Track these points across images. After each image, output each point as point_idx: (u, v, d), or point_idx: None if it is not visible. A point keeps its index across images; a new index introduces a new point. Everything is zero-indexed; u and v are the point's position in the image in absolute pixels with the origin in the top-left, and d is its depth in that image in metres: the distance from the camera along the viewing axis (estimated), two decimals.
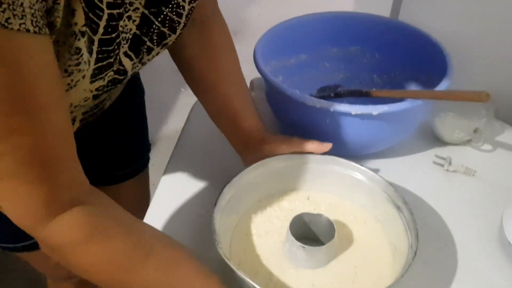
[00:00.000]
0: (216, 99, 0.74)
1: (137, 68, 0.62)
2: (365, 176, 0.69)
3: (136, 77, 0.89)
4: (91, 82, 0.54)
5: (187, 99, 2.25)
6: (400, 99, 0.74)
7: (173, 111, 2.05)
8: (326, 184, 0.73)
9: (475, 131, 0.85)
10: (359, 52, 0.96)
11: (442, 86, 0.74)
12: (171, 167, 0.83)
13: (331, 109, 0.70)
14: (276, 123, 0.87)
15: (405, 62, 0.91)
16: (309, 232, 0.67)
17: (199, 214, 0.74)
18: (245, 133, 0.73)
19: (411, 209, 0.63)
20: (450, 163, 0.82)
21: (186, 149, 0.87)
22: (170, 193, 0.78)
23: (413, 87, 0.89)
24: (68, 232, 0.48)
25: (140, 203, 1.03)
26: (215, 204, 0.62)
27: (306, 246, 0.61)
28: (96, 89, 0.56)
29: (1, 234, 0.78)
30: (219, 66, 0.73)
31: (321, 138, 0.78)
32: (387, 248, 0.66)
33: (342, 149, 0.81)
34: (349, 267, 0.64)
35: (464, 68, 0.91)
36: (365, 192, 0.70)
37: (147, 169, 1.00)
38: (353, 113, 0.70)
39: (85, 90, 0.54)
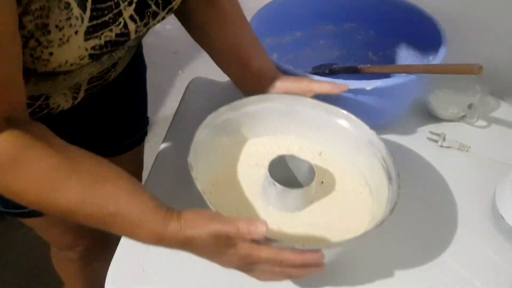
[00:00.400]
0: (225, 41, 0.71)
1: (140, 32, 0.61)
2: (352, 125, 0.67)
3: (139, 53, 0.90)
4: (86, 39, 0.53)
5: (184, 81, 2.24)
6: (394, 75, 0.74)
7: (170, 93, 2.05)
8: (313, 130, 0.70)
9: (469, 107, 0.85)
10: (354, 29, 0.96)
11: (436, 60, 0.74)
12: (166, 145, 0.83)
13: None
14: None
15: (400, 38, 0.91)
16: (292, 178, 0.66)
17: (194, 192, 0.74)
18: (256, 72, 0.70)
19: (395, 162, 0.61)
20: (444, 139, 0.82)
21: (181, 126, 0.87)
22: (165, 170, 0.78)
23: (408, 63, 0.88)
24: None
25: (134, 175, 1.03)
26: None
27: (277, 184, 0.59)
28: (93, 48, 0.55)
29: (9, 199, 0.79)
30: (229, 28, 0.72)
31: None
32: (368, 200, 0.65)
33: None
34: (325, 215, 0.62)
35: (459, 44, 0.91)
36: (351, 141, 0.67)
37: (143, 144, 1.02)
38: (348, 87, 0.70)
39: (79, 47, 0.54)
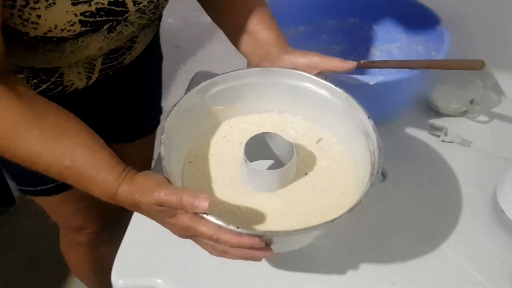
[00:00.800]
0: (237, 15, 0.70)
1: (141, 4, 0.61)
2: (352, 110, 0.62)
3: (156, 43, 0.91)
4: (73, 4, 0.54)
5: (186, 75, 2.25)
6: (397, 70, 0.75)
7: (172, 87, 2.05)
8: (314, 111, 0.66)
9: (471, 102, 0.86)
10: (357, 24, 0.96)
11: (439, 56, 0.75)
12: None
13: (328, 79, 0.71)
14: None
15: (403, 34, 0.91)
16: (272, 155, 0.64)
17: None
18: (265, 43, 0.68)
19: (379, 137, 0.58)
20: (446, 134, 0.83)
21: None
22: None
23: (411, 59, 0.89)
24: None
25: (144, 162, 1.07)
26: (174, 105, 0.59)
27: (248, 162, 0.57)
28: (82, 14, 0.56)
29: (23, 177, 0.81)
30: (242, 2, 0.70)
31: None
32: (351, 173, 0.62)
33: None
34: (295, 204, 0.59)
35: (461, 39, 0.91)
36: (349, 128, 0.63)
37: (155, 132, 1.02)
38: (349, 82, 0.70)
39: (67, 12, 0.55)
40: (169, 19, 2.48)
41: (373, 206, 0.72)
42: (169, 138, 0.55)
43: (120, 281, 0.64)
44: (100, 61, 0.70)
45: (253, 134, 0.61)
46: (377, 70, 0.90)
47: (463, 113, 0.88)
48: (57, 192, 0.83)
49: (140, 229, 0.69)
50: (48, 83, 0.67)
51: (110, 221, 0.99)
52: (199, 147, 0.64)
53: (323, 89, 0.63)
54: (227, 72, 0.62)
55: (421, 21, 0.87)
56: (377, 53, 0.96)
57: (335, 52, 0.98)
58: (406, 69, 0.73)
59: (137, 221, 0.70)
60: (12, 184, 1.56)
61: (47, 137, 0.52)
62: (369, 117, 0.59)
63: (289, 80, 0.64)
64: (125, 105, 0.90)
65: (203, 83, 0.61)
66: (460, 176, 0.78)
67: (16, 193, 1.60)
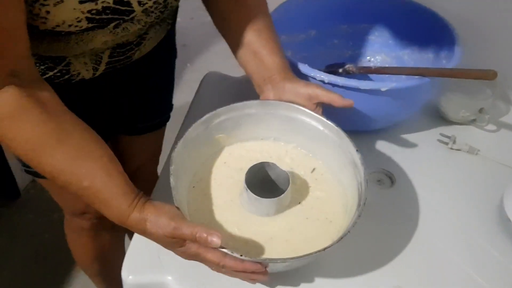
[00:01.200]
0: (244, 35, 0.72)
1: (146, 4, 0.63)
2: (342, 142, 0.67)
3: (171, 41, 0.92)
4: (80, 2, 0.57)
5: (193, 75, 2.26)
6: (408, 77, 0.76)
7: (179, 86, 2.05)
8: (309, 142, 0.71)
9: (480, 111, 0.86)
10: (368, 29, 0.97)
11: (450, 64, 0.75)
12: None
13: (340, 84, 0.72)
14: None
15: (414, 40, 0.92)
16: (272, 185, 0.68)
17: None
18: (270, 68, 0.70)
19: (365, 170, 0.62)
20: (454, 142, 0.83)
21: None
22: None
23: (421, 66, 0.89)
24: None
25: (153, 155, 1.10)
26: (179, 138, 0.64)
27: (248, 190, 0.62)
28: (89, 12, 0.58)
29: None
30: (249, 24, 0.72)
31: (328, 113, 0.80)
32: (341, 202, 0.67)
33: (348, 124, 0.83)
34: (290, 230, 0.64)
35: (470, 47, 0.92)
36: (340, 159, 0.68)
37: (164, 127, 1.04)
38: (361, 88, 0.71)
39: (74, 9, 0.57)
40: (177, 18, 2.49)
41: (380, 211, 0.73)
42: (177, 168, 0.61)
43: (130, 277, 0.64)
44: (108, 54, 0.71)
45: (250, 161, 0.68)
46: (387, 76, 0.92)
47: (471, 122, 0.88)
48: None
49: None
50: (55, 71, 0.69)
51: None
52: (202, 172, 0.70)
53: (316, 121, 0.69)
54: (229, 105, 0.69)
55: (432, 29, 0.87)
56: (387, 59, 0.96)
57: (346, 56, 0.99)
58: (418, 77, 0.74)
59: None
60: (17, 177, 1.57)
61: (71, 156, 0.56)
62: (357, 150, 0.64)
63: (285, 112, 0.70)
64: (134, 99, 0.91)
65: (207, 115, 0.67)
66: (467, 185, 0.79)
67: (21, 186, 1.61)
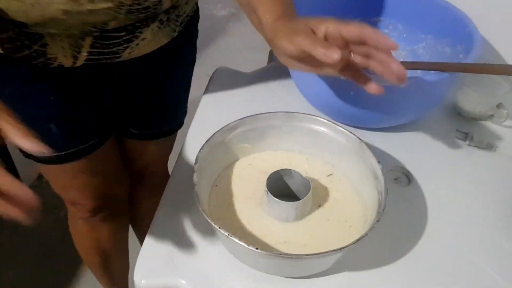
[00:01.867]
0: None
1: None
2: (364, 155, 0.67)
3: (186, 51, 0.89)
4: None
5: (198, 69, 2.23)
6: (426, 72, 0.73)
7: None
8: (329, 152, 0.72)
9: (498, 106, 0.84)
10: (381, 23, 0.94)
11: (469, 59, 0.73)
12: (191, 135, 0.83)
13: None
14: (296, 92, 0.86)
15: (429, 34, 0.89)
16: (288, 189, 0.69)
17: None
18: (280, 4, 0.63)
19: (386, 179, 0.62)
20: (471, 139, 0.81)
21: (206, 117, 0.86)
22: (190, 161, 0.78)
23: (437, 59, 0.87)
24: None
25: (163, 156, 1.08)
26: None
27: (269, 193, 0.63)
28: None
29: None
30: None
31: (345, 110, 0.78)
32: (360, 210, 0.67)
33: (364, 121, 0.81)
34: (309, 234, 0.64)
35: (487, 40, 0.90)
36: (360, 170, 0.68)
37: (176, 132, 1.02)
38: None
39: None
40: None
41: (397, 209, 0.71)
42: (201, 168, 0.63)
43: (143, 281, 0.63)
44: (89, 43, 0.68)
45: (274, 166, 0.70)
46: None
47: (489, 117, 0.86)
48: (57, 162, 0.83)
49: (162, 228, 0.68)
50: (31, 50, 0.67)
51: (106, 204, 0.99)
52: (226, 172, 0.71)
53: (340, 135, 0.69)
54: (255, 115, 0.70)
55: (449, 22, 0.85)
56: (402, 54, 0.94)
57: None
58: (436, 72, 0.71)
59: (159, 221, 0.69)
60: (22, 175, 1.56)
61: None
62: (378, 162, 0.64)
63: (309, 124, 0.71)
64: (153, 105, 0.89)
65: (234, 123, 0.69)
66: (485, 182, 0.77)
67: (26, 184, 1.60)
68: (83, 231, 1.07)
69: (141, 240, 1.28)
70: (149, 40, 0.74)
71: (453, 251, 0.67)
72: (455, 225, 0.70)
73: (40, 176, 1.62)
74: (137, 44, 0.73)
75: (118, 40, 0.70)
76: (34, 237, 1.52)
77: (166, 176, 1.10)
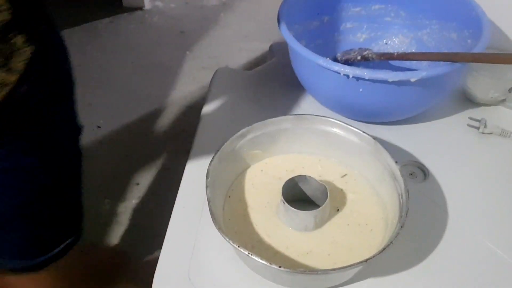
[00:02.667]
0: None
1: None
2: (380, 156, 0.65)
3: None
4: None
5: (193, 62, 2.20)
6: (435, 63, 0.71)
7: (180, 75, 2.00)
8: (342, 153, 0.70)
9: (510, 90, 0.82)
10: (383, 10, 0.91)
11: (480, 47, 0.70)
12: (198, 142, 0.80)
13: (367, 78, 0.67)
14: (300, 87, 0.83)
15: (434, 19, 0.86)
16: (308, 198, 0.67)
17: None
18: None
19: (406, 180, 0.60)
20: (485, 126, 0.79)
21: (211, 120, 0.84)
22: (201, 165, 0.76)
23: (443, 47, 0.85)
24: None
25: None
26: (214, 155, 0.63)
27: (286, 203, 0.60)
28: None
29: None
30: None
31: (353, 107, 0.76)
32: (380, 236, 0.63)
33: (374, 116, 0.79)
34: (331, 242, 0.62)
35: (495, 23, 0.87)
36: (377, 171, 0.66)
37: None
38: (389, 80, 0.67)
39: None
40: (172, 4, 2.42)
41: (417, 207, 0.68)
42: (213, 181, 0.60)
43: None
44: None
45: (286, 171, 0.69)
46: (410, 62, 0.87)
47: (500, 102, 0.84)
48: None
49: (175, 245, 0.66)
50: None
51: None
52: (238, 181, 0.69)
53: (352, 135, 0.67)
54: (265, 120, 0.68)
55: (453, 5, 0.82)
56: (406, 41, 0.91)
57: (360, 41, 0.94)
58: (448, 62, 0.69)
59: (172, 237, 0.67)
60: None
61: None
62: (396, 162, 0.62)
63: (321, 126, 0.69)
64: None
65: (243, 130, 0.66)
66: (502, 169, 0.75)
67: None
68: None
69: None
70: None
71: (478, 245, 0.65)
72: (477, 218, 0.68)
73: None
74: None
75: None
76: None
77: None
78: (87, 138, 1.72)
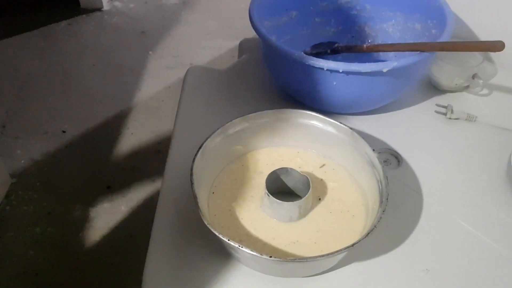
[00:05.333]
0: None
1: None
2: (357, 144, 0.67)
3: None
4: None
5: (156, 62, 2.19)
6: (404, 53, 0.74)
7: (144, 76, 1.98)
8: (320, 144, 0.72)
9: (473, 76, 0.85)
10: (349, 4, 0.94)
11: (445, 36, 0.74)
12: (175, 143, 0.80)
13: (340, 70, 0.69)
14: (273, 83, 0.84)
15: (398, 12, 0.90)
16: (290, 189, 0.68)
17: None
18: None
19: (384, 167, 0.64)
20: (452, 111, 0.83)
21: (188, 119, 0.84)
22: (180, 167, 0.76)
23: (408, 38, 0.88)
24: None
25: None
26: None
27: (270, 195, 0.62)
28: None
29: None
30: None
31: (326, 99, 0.78)
32: (361, 222, 0.65)
33: (346, 108, 0.81)
34: (315, 230, 0.63)
35: (456, 14, 0.91)
36: (355, 159, 0.68)
37: None
38: (363, 71, 0.69)
39: None
40: (131, 4, 2.39)
41: (393, 192, 0.71)
42: (197, 178, 0.61)
43: None
44: None
45: (266, 163, 0.71)
46: (378, 53, 0.90)
47: (465, 88, 0.88)
48: None
49: (162, 243, 0.66)
50: None
51: None
52: (221, 177, 0.70)
53: (330, 126, 0.70)
54: (244, 116, 0.69)
55: None
56: (372, 33, 0.94)
57: (329, 34, 0.96)
58: (416, 52, 0.72)
59: (158, 236, 0.67)
60: None
61: None
62: (373, 150, 0.65)
63: (298, 119, 0.71)
64: None
65: (224, 126, 0.68)
66: (471, 152, 0.79)
67: None
68: None
69: None
70: None
71: (452, 224, 0.68)
72: (450, 199, 0.72)
73: (8, 194, 1.56)
74: None
75: None
76: (12, 256, 1.46)
77: None
78: (52, 143, 1.69)
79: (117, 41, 2.20)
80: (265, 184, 0.63)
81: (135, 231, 1.48)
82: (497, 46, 0.61)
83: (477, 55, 0.86)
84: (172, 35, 2.21)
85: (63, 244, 1.43)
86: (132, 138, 1.76)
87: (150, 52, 2.10)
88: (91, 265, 1.38)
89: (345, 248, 0.54)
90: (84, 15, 2.32)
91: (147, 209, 1.53)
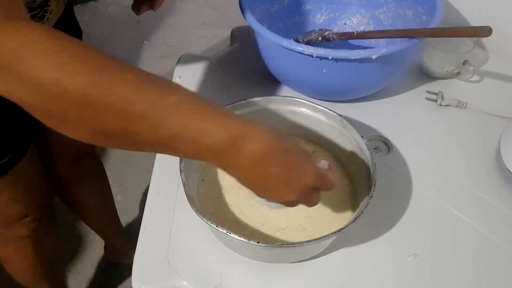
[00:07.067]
0: None
1: None
2: (346, 130, 0.67)
3: (71, 17, 0.84)
4: None
5: (151, 52, 2.18)
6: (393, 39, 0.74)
7: (139, 66, 1.97)
8: (310, 132, 0.72)
9: (464, 63, 0.86)
10: None
11: (435, 23, 0.74)
12: None
13: (329, 57, 0.69)
14: (264, 70, 0.84)
15: None
16: None
17: None
18: None
19: (372, 153, 0.63)
20: (442, 98, 0.83)
21: None
22: None
23: (399, 25, 0.88)
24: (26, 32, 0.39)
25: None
26: None
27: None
28: None
29: None
30: None
31: (317, 86, 0.78)
32: (349, 209, 0.65)
33: (336, 95, 0.81)
34: (304, 217, 0.64)
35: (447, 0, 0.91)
36: (345, 147, 0.69)
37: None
38: (352, 58, 0.69)
39: None
40: None
41: (383, 179, 0.72)
42: (186, 165, 0.61)
43: (142, 287, 0.62)
44: None
45: None
46: (369, 40, 0.89)
47: (455, 75, 0.88)
48: None
49: (152, 230, 0.66)
50: None
51: (49, 210, 0.94)
52: (210, 165, 0.69)
53: (319, 113, 0.69)
54: (233, 103, 0.68)
55: None
56: (364, 20, 0.94)
57: (320, 22, 0.96)
58: (405, 39, 0.72)
59: (148, 222, 0.67)
60: None
61: (140, 78, 0.42)
62: (362, 136, 0.65)
63: (288, 106, 0.70)
64: None
65: None
66: (461, 139, 0.79)
67: None
68: (27, 252, 0.96)
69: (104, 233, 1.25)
70: (54, 12, 0.71)
71: (440, 210, 0.69)
72: (439, 185, 0.72)
73: None
74: (47, 18, 0.69)
75: (34, 19, 0.65)
76: None
77: (94, 153, 1.11)
78: None
79: (112, 31, 2.19)
80: None
81: (125, 217, 1.48)
82: (485, 31, 0.61)
83: (468, 42, 0.86)
84: (167, 24, 2.21)
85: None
86: None
87: (145, 42, 2.09)
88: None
89: (332, 233, 0.54)
90: (78, 5, 2.31)
91: (144, 198, 1.53)
